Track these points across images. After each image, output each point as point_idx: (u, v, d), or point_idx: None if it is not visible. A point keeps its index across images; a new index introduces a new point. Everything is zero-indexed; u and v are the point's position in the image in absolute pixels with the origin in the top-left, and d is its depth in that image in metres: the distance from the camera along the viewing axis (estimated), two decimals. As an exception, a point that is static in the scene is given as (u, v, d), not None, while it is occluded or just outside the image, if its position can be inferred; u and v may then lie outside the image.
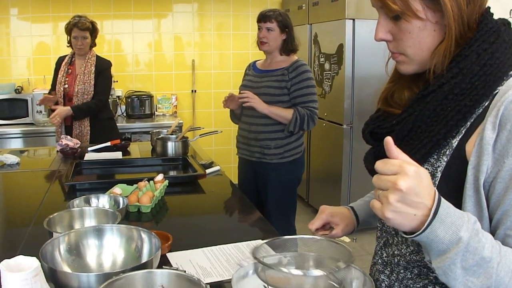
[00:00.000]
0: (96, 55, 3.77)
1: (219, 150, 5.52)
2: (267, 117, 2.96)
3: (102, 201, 1.83)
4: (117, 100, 5.16)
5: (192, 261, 1.47)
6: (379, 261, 1.12)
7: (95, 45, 3.78)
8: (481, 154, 0.87)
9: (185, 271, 1.10)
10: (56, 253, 1.25)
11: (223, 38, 5.58)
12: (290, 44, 3.03)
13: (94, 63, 3.71)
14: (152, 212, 1.97)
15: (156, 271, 1.08)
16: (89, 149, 3.17)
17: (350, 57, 4.24)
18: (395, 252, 1.06)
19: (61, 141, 3.18)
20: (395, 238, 1.07)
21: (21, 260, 1.03)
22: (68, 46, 3.75)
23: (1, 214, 2.09)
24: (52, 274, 1.11)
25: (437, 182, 0.93)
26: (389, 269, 1.09)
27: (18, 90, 4.78)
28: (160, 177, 2.18)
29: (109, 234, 1.34)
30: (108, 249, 1.32)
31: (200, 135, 3.25)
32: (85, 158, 2.90)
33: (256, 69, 3.16)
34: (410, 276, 1.02)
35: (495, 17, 0.95)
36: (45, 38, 5.07)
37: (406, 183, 0.77)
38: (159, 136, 3.13)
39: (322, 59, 4.67)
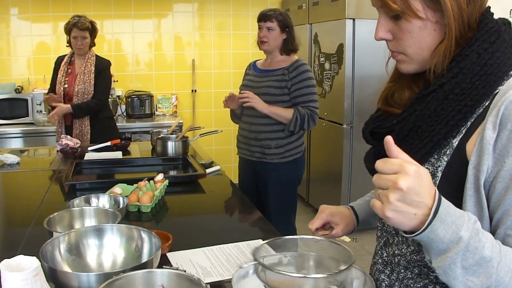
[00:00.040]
0: (96, 55, 3.78)
1: (219, 150, 5.52)
2: (268, 117, 2.96)
3: (102, 200, 1.83)
4: (117, 100, 5.16)
5: (192, 260, 1.47)
6: (380, 260, 1.12)
7: (94, 44, 3.79)
8: (481, 153, 0.87)
9: (185, 271, 1.10)
10: (56, 252, 1.25)
11: (223, 38, 5.58)
12: (291, 43, 3.03)
13: (94, 62, 3.72)
14: (152, 211, 1.97)
15: (156, 271, 1.08)
16: (89, 148, 3.17)
17: (350, 56, 4.24)
18: (396, 252, 1.06)
19: (61, 141, 3.18)
20: (396, 237, 1.07)
21: (21, 260, 1.03)
22: (67, 46, 3.75)
23: (1, 213, 2.09)
24: (52, 274, 1.11)
25: (437, 182, 0.93)
26: (389, 268, 1.09)
27: (18, 90, 4.78)
28: (160, 176, 2.18)
29: (109, 234, 1.34)
30: (108, 248, 1.32)
31: (200, 134, 3.25)
32: (85, 158, 2.90)
33: (257, 69, 3.16)
34: (410, 275, 1.02)
35: (495, 16, 0.96)
36: (45, 38, 5.07)
37: (406, 182, 0.77)
38: (159, 136, 3.13)
39: (322, 59, 4.67)
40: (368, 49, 4.19)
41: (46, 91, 3.92)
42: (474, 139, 0.90)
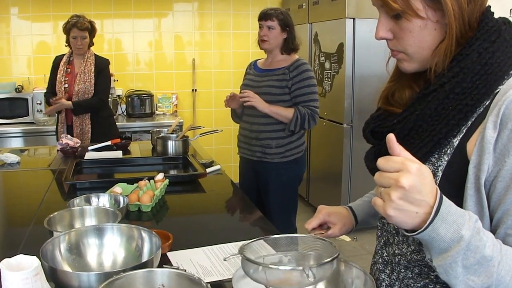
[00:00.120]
0: (94, 54, 3.79)
1: (220, 149, 5.52)
2: (268, 116, 2.96)
3: (103, 200, 1.83)
4: (118, 99, 5.16)
5: (193, 260, 1.47)
6: (380, 260, 1.12)
7: (93, 44, 3.80)
8: (482, 153, 0.87)
9: (185, 270, 1.10)
10: (57, 252, 1.25)
11: (224, 37, 5.58)
12: (291, 43, 3.03)
13: (93, 62, 3.74)
14: (152, 211, 1.97)
15: (157, 270, 1.08)
16: (90, 148, 3.17)
17: (351, 56, 4.24)
18: (396, 251, 1.06)
19: (61, 140, 3.19)
20: (396, 237, 1.07)
21: (21, 259, 1.03)
22: (66, 46, 3.76)
23: (1, 213, 2.09)
24: (52, 273, 1.12)
25: (438, 181, 0.93)
26: (389, 268, 1.09)
27: (18, 89, 4.78)
28: (160, 176, 2.18)
29: (109, 233, 1.34)
30: (109, 248, 1.32)
31: (200, 134, 3.25)
32: (85, 157, 2.90)
33: (257, 68, 3.15)
34: (410, 275, 1.02)
35: (495, 16, 0.95)
36: (45, 37, 5.07)
37: (408, 181, 0.77)
38: (160, 135, 3.13)
39: (322, 58, 4.67)
40: (368, 49, 4.18)
41: (45, 91, 3.92)
42: (475, 138, 0.90)
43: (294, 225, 3.20)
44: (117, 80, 5.11)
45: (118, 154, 3.04)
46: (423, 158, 0.93)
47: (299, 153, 3.08)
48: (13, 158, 2.86)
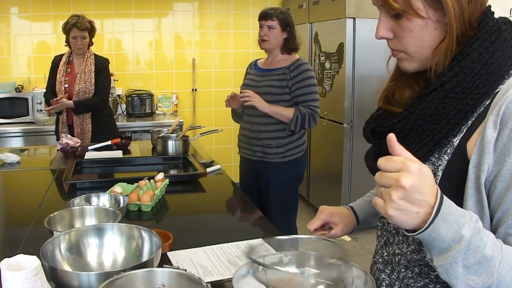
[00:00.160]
0: (94, 54, 3.80)
1: (220, 149, 5.52)
2: (269, 116, 2.96)
3: (103, 200, 1.83)
4: (118, 99, 5.16)
5: (193, 260, 1.47)
6: (380, 260, 1.12)
7: (92, 44, 3.81)
8: (482, 152, 0.87)
9: (185, 270, 1.10)
10: (57, 252, 1.25)
11: (224, 37, 5.58)
12: (292, 42, 3.03)
13: (93, 61, 3.75)
14: (152, 211, 1.97)
15: (157, 270, 1.08)
16: (90, 148, 3.17)
17: (351, 56, 4.24)
18: (396, 251, 1.06)
19: (62, 140, 3.19)
20: (396, 237, 1.07)
21: (21, 259, 1.02)
22: (65, 46, 3.76)
23: (1, 213, 2.09)
24: (52, 273, 1.11)
25: (438, 181, 0.93)
26: (389, 268, 1.08)
27: (18, 89, 4.78)
28: (160, 176, 2.18)
29: (109, 233, 1.34)
30: (109, 248, 1.32)
31: (200, 134, 3.25)
32: (85, 157, 2.90)
33: (258, 68, 3.15)
34: (411, 275, 1.02)
35: (496, 16, 0.95)
36: (45, 37, 5.07)
37: (409, 181, 0.77)
38: (160, 135, 3.13)
39: (322, 58, 4.66)
40: (368, 48, 4.18)
41: (45, 91, 3.92)
42: (475, 138, 0.89)
43: (295, 225, 3.20)
44: (117, 80, 5.11)
45: (118, 153, 3.04)
46: (424, 157, 0.93)
47: (300, 153, 3.08)
48: (13, 157, 2.86)
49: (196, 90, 5.55)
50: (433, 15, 0.91)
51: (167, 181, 2.15)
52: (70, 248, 1.28)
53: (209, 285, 1.01)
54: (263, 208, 3.02)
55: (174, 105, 5.41)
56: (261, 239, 1.61)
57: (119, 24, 5.24)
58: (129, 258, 1.31)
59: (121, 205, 1.79)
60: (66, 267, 1.24)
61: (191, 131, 3.91)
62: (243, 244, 1.59)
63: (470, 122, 0.92)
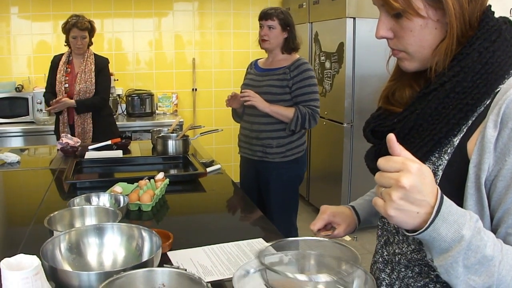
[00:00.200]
0: (94, 53, 3.80)
1: (220, 149, 5.52)
2: (269, 116, 2.96)
3: (103, 199, 1.83)
4: (118, 99, 5.16)
5: (193, 259, 1.47)
6: (380, 259, 1.12)
7: (92, 43, 3.81)
8: (482, 152, 0.87)
9: (186, 270, 1.10)
10: (57, 251, 1.25)
11: (224, 37, 5.57)
12: (292, 42, 3.03)
13: (93, 61, 3.75)
14: (152, 210, 1.97)
15: (157, 270, 1.08)
16: (90, 147, 3.17)
17: (351, 55, 4.24)
18: (396, 251, 1.06)
19: (62, 140, 3.19)
20: (396, 236, 1.06)
21: (21, 259, 1.02)
22: (65, 45, 3.77)
23: (1, 212, 2.09)
24: (52, 273, 1.11)
25: (438, 181, 0.93)
26: (389, 267, 1.08)
27: (18, 89, 4.78)
28: (160, 175, 2.18)
29: (109, 233, 1.34)
30: (109, 247, 1.32)
31: (200, 133, 3.25)
32: (85, 157, 2.90)
33: (258, 68, 3.15)
34: (411, 274, 1.02)
35: (496, 15, 0.95)
36: (45, 37, 5.07)
37: (409, 181, 0.77)
38: (160, 135, 3.12)
39: (322, 58, 4.66)
40: (368, 48, 4.18)
41: (44, 91, 3.93)
42: (475, 137, 0.89)
43: (295, 224, 3.20)
44: (117, 80, 5.11)
45: (118, 153, 3.04)
46: (424, 157, 0.93)
47: (300, 152, 3.07)
48: (13, 157, 2.86)
49: (196, 89, 5.55)
50: (434, 14, 0.91)
51: (167, 180, 2.15)
52: (70, 247, 1.28)
53: (209, 284, 1.01)
54: (264, 208, 3.02)
55: (174, 104, 5.41)
56: (263, 241, 1.61)
57: (119, 24, 5.24)
58: (129, 258, 1.31)
59: (121, 204, 1.79)
60: (66, 267, 1.24)
61: (191, 130, 3.91)
62: (243, 244, 1.59)
63: (470, 121, 0.92)
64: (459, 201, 0.88)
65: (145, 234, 1.31)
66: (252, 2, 5.52)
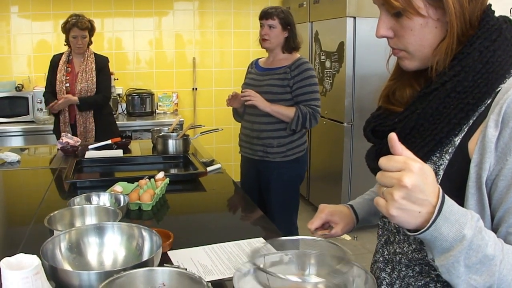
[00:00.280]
0: (94, 52, 3.80)
1: (220, 148, 5.52)
2: (270, 115, 2.95)
3: (103, 199, 1.83)
4: (118, 98, 5.16)
5: (193, 259, 1.47)
6: (380, 259, 1.12)
7: (91, 43, 3.81)
8: (483, 152, 0.86)
9: (186, 269, 1.10)
10: (57, 251, 1.25)
11: (224, 36, 5.57)
12: (292, 41, 3.02)
13: (94, 60, 3.76)
14: (153, 210, 1.97)
15: (157, 269, 1.08)
16: (90, 147, 3.17)
17: (351, 55, 4.24)
18: (397, 250, 1.06)
19: (62, 139, 3.19)
20: (397, 236, 1.06)
21: (21, 258, 1.02)
22: (65, 45, 3.77)
23: (1, 212, 2.09)
24: (53, 272, 1.11)
25: (439, 181, 0.92)
26: (390, 267, 1.08)
27: (18, 88, 4.78)
28: (161, 175, 2.17)
29: (110, 232, 1.33)
30: (109, 247, 1.32)
31: (201, 133, 3.25)
32: (85, 156, 2.90)
33: (259, 67, 3.15)
34: (411, 274, 1.02)
35: (496, 14, 0.95)
36: (45, 36, 5.07)
37: (411, 180, 0.76)
38: (160, 134, 3.12)
39: (323, 57, 4.66)
40: (369, 47, 4.18)
41: (44, 91, 3.93)
42: (476, 137, 0.89)
43: (296, 224, 3.20)
44: (117, 79, 5.11)
45: (119, 153, 3.04)
46: (425, 157, 0.93)
47: (301, 152, 3.07)
48: (13, 157, 2.86)
49: (196, 89, 5.55)
50: (434, 13, 0.91)
51: (167, 180, 2.15)
52: (71, 247, 1.28)
53: (209, 284, 1.01)
54: (264, 208, 3.02)
55: (175, 104, 5.41)
56: (263, 241, 1.61)
57: (120, 23, 5.24)
58: (130, 257, 1.30)
59: (122, 204, 1.79)
60: (67, 266, 1.24)
61: (191, 130, 3.91)
62: (244, 243, 1.59)
63: (471, 121, 0.92)
64: (460, 200, 0.88)
65: (145, 234, 1.31)
66: (253, 1, 5.52)
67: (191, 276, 1.05)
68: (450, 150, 0.93)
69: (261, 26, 3.01)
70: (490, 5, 0.95)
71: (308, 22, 4.92)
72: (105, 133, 3.60)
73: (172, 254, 1.50)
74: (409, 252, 1.02)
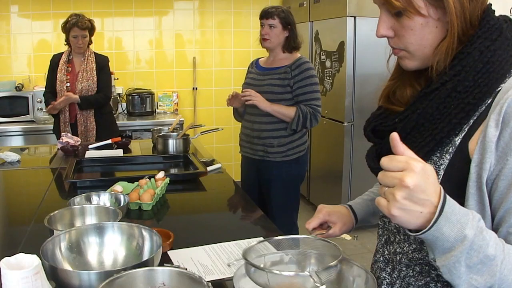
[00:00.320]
0: (94, 52, 3.80)
1: (220, 148, 5.52)
2: (270, 115, 2.95)
3: (103, 198, 1.82)
4: (118, 98, 5.16)
5: (194, 259, 1.47)
6: (381, 258, 1.12)
7: (91, 42, 3.82)
8: (484, 151, 0.86)
9: (186, 269, 1.10)
10: (57, 251, 1.25)
11: (224, 36, 5.57)
12: (293, 41, 3.02)
13: (94, 60, 3.76)
14: (153, 209, 1.97)
15: (157, 269, 1.08)
16: (90, 146, 3.18)
17: (351, 54, 4.24)
18: (397, 250, 1.06)
19: (62, 139, 3.19)
20: (397, 236, 1.06)
21: (21, 258, 1.02)
22: (65, 45, 3.77)
23: (1, 211, 2.09)
24: (53, 272, 1.11)
25: (439, 180, 0.92)
26: (390, 266, 1.08)
27: (18, 88, 4.78)
28: (161, 174, 2.17)
29: (110, 232, 1.33)
30: (109, 247, 1.32)
31: (201, 132, 3.25)
32: (85, 156, 2.90)
33: (259, 67, 3.15)
34: (412, 273, 1.02)
35: (496, 14, 0.95)
36: (45, 36, 5.07)
37: (413, 180, 0.76)
38: (160, 134, 3.12)
39: (323, 57, 4.66)
40: (369, 47, 4.18)
41: (44, 90, 3.93)
42: (477, 137, 0.89)
43: (296, 223, 3.20)
44: (118, 79, 5.11)
45: (119, 152, 3.04)
46: (425, 157, 0.93)
47: (301, 152, 3.07)
48: (13, 156, 2.86)
49: (196, 88, 5.54)
50: (434, 13, 0.91)
51: (167, 180, 2.15)
52: (71, 247, 1.28)
53: (209, 284, 1.01)
54: (264, 207, 3.02)
55: (175, 103, 5.41)
56: (261, 238, 1.61)
57: (120, 23, 5.24)
58: (130, 257, 1.30)
59: (122, 204, 1.78)
60: (67, 266, 1.24)
61: (191, 129, 3.91)
62: (244, 243, 1.59)
63: (471, 121, 0.92)
64: (460, 200, 0.88)
65: (145, 233, 1.31)
66: (253, 1, 5.52)
67: (191, 276, 1.05)
68: (450, 150, 0.93)
69: (261, 25, 3.01)
70: (491, 4, 0.95)
71: (309, 21, 4.92)
72: (106, 132, 3.61)
73: (172, 254, 1.50)
74: (410, 252, 1.02)
